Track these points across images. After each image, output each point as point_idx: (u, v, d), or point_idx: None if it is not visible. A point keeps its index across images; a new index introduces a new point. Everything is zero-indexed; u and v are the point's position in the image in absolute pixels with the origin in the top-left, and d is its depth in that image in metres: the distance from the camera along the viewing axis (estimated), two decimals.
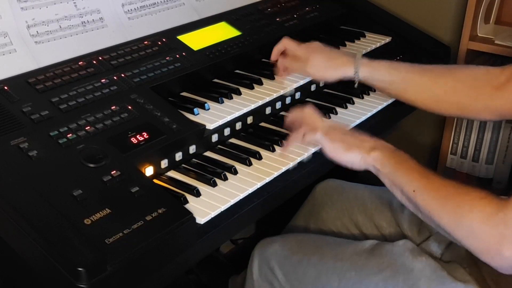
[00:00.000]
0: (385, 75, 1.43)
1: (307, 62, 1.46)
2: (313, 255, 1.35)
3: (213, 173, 1.21)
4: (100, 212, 0.99)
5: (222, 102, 1.39)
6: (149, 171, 1.17)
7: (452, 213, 1.06)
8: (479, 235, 1.02)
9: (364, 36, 1.85)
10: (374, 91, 1.60)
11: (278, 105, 1.48)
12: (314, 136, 1.27)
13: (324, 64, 1.46)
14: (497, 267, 1.04)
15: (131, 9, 1.52)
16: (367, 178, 1.23)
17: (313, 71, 1.47)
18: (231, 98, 1.41)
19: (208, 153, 1.31)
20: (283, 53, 1.54)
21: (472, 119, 1.75)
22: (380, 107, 1.54)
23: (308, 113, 1.32)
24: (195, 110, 1.32)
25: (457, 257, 1.27)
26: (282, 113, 1.50)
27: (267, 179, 1.23)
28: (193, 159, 1.27)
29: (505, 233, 0.99)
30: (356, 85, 1.47)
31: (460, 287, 1.20)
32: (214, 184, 1.18)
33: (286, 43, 1.52)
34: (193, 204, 1.12)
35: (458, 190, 1.07)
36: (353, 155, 1.23)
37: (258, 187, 1.21)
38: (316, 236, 1.50)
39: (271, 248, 1.41)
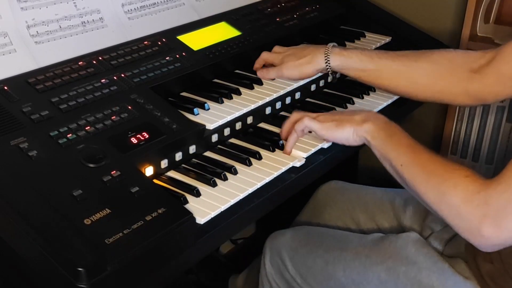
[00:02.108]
0: (357, 62, 1.42)
1: (281, 65, 1.47)
2: (320, 247, 1.38)
3: (213, 173, 1.21)
4: (100, 212, 0.99)
5: (222, 102, 1.39)
6: (149, 171, 1.17)
7: (436, 189, 1.07)
8: (461, 214, 1.03)
9: (364, 36, 1.85)
10: (374, 91, 1.59)
11: (278, 105, 1.48)
12: (303, 123, 1.27)
13: (298, 62, 1.45)
14: (478, 246, 1.05)
15: (131, 9, 1.52)
16: (369, 179, 1.23)
17: (288, 72, 1.46)
18: (231, 98, 1.41)
19: (208, 153, 1.31)
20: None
21: (449, 103, 1.69)
22: (379, 107, 1.54)
23: (295, 116, 1.32)
24: (195, 110, 1.33)
25: (457, 253, 1.27)
26: (282, 113, 1.50)
27: (267, 179, 1.23)
28: (193, 159, 1.27)
29: (486, 212, 1.00)
30: (330, 78, 1.47)
31: (460, 280, 1.20)
32: (214, 184, 1.18)
33: (263, 56, 1.52)
34: (193, 204, 1.12)
35: (444, 167, 1.08)
36: (346, 130, 1.23)
37: (258, 187, 1.21)
38: (323, 229, 1.51)
39: (282, 241, 1.44)
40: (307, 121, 1.27)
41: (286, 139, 1.31)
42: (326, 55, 1.42)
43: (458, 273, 1.21)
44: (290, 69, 1.46)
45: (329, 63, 1.43)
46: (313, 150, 1.32)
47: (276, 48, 1.54)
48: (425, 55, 1.41)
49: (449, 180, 1.05)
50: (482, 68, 1.29)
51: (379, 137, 1.18)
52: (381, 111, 1.54)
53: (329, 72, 1.46)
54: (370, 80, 1.45)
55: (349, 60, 1.42)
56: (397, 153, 1.15)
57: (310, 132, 1.32)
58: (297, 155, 1.30)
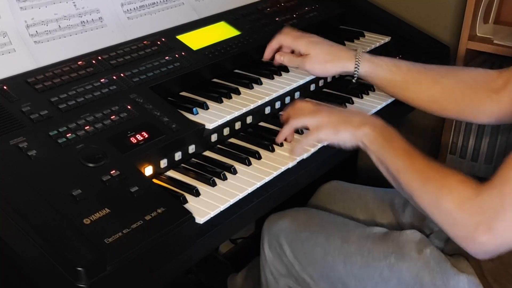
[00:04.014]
0: (386, 72, 1.41)
1: (306, 57, 1.44)
2: (320, 234, 1.36)
3: (212, 173, 1.21)
4: (100, 212, 0.99)
5: (222, 101, 1.39)
6: (148, 170, 1.17)
7: (432, 194, 1.07)
8: (456, 220, 1.03)
9: (363, 35, 1.85)
10: (374, 91, 1.59)
11: (278, 104, 1.48)
12: (301, 123, 1.27)
13: (323, 58, 1.43)
14: (472, 253, 1.05)
15: (130, 9, 1.52)
16: (369, 179, 1.23)
17: (311, 66, 1.43)
18: (231, 97, 1.41)
19: (208, 153, 1.31)
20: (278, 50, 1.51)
21: (470, 122, 1.75)
22: (379, 107, 1.54)
23: (298, 104, 1.31)
24: (195, 109, 1.32)
25: (458, 251, 1.27)
26: (281, 112, 1.49)
27: (267, 179, 1.23)
28: (193, 159, 1.27)
29: (481, 218, 1.00)
30: (354, 81, 1.45)
31: (462, 278, 1.20)
32: (213, 184, 1.18)
33: (281, 40, 1.48)
34: (192, 204, 1.12)
35: (439, 173, 1.08)
36: (343, 134, 1.22)
37: (258, 186, 1.21)
38: (324, 213, 1.49)
39: (280, 224, 1.43)
40: (306, 122, 1.26)
41: (286, 120, 1.31)
42: (356, 60, 1.40)
43: (461, 271, 1.21)
44: (315, 64, 1.43)
45: (358, 69, 1.41)
46: (313, 150, 1.32)
47: (289, 30, 1.49)
48: (452, 72, 1.41)
49: (444, 186, 1.05)
50: (500, 88, 1.29)
51: (377, 142, 1.18)
52: (380, 111, 1.54)
53: (355, 78, 1.44)
54: (394, 91, 1.43)
55: (378, 68, 1.41)
56: (394, 158, 1.14)
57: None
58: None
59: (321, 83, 1.60)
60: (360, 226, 1.38)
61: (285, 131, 1.29)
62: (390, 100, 1.56)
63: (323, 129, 1.23)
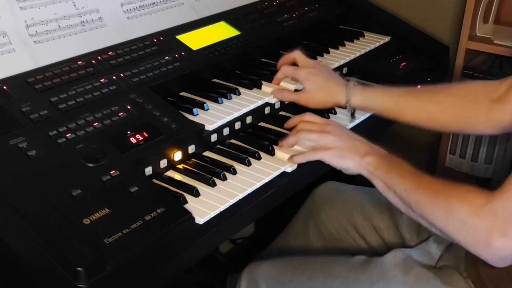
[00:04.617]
0: (378, 101, 1.42)
1: (301, 94, 1.45)
2: (303, 274, 1.35)
3: (212, 173, 1.21)
4: (99, 212, 0.99)
5: (221, 102, 1.39)
6: (148, 170, 1.17)
7: (442, 207, 1.06)
8: (469, 227, 1.02)
9: (363, 35, 1.85)
10: None
11: (277, 105, 1.48)
12: (308, 140, 1.28)
13: (318, 96, 1.44)
14: (487, 259, 1.04)
15: (130, 9, 1.52)
16: (366, 180, 1.24)
17: (306, 102, 1.45)
18: (230, 98, 1.41)
19: (207, 153, 1.31)
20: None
21: (475, 134, 1.75)
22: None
23: (308, 117, 1.32)
24: (194, 110, 1.32)
25: (456, 258, 1.26)
26: (281, 113, 1.50)
27: (266, 179, 1.23)
28: (192, 159, 1.27)
29: (494, 223, 0.99)
30: (349, 113, 1.46)
31: None
32: (213, 184, 1.18)
33: (284, 72, 1.50)
34: (192, 204, 1.12)
35: (447, 186, 1.08)
36: (348, 161, 1.24)
37: (257, 187, 1.21)
38: (305, 257, 1.49)
39: (260, 270, 1.41)
40: (314, 141, 1.28)
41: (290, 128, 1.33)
42: (347, 96, 1.42)
43: (453, 285, 1.21)
44: (310, 101, 1.45)
45: (349, 103, 1.43)
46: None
47: (299, 55, 1.51)
48: (445, 89, 1.41)
49: (454, 196, 1.05)
50: (501, 97, 1.29)
51: (382, 168, 1.19)
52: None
53: (349, 110, 1.45)
54: (392, 116, 1.44)
55: (369, 100, 1.42)
56: (400, 180, 1.15)
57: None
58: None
59: None
60: (341, 259, 1.38)
61: (291, 142, 1.31)
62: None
63: (329, 152, 1.26)
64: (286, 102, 1.49)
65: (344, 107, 1.46)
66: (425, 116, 1.40)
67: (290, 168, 1.28)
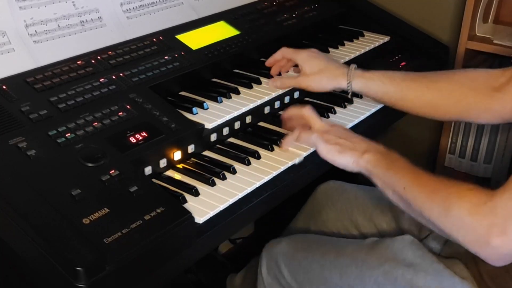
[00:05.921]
0: (379, 85, 1.42)
1: (301, 77, 1.45)
2: (316, 252, 1.38)
3: (212, 173, 1.21)
4: (99, 212, 0.99)
5: (221, 101, 1.39)
6: (147, 170, 1.17)
7: (441, 205, 1.06)
8: (468, 225, 1.02)
9: (362, 35, 1.85)
10: (361, 97, 1.58)
11: (277, 104, 1.48)
12: (309, 137, 1.28)
13: (319, 76, 1.44)
14: (486, 258, 1.04)
15: (129, 9, 1.52)
16: (367, 179, 1.24)
17: (307, 84, 1.45)
18: (230, 97, 1.41)
19: (207, 153, 1.31)
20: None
21: (473, 122, 1.74)
22: (379, 106, 1.54)
23: (307, 113, 1.32)
24: (194, 109, 1.32)
25: (456, 253, 1.27)
26: (281, 112, 1.49)
27: (266, 179, 1.23)
28: (192, 159, 1.27)
29: (493, 222, 0.99)
30: (349, 96, 1.46)
31: (457, 281, 1.20)
32: (213, 184, 1.18)
33: (283, 52, 1.51)
34: (192, 204, 1.12)
35: (446, 184, 1.08)
36: (347, 158, 1.23)
37: (257, 186, 1.21)
38: (320, 236, 1.51)
39: (278, 248, 1.44)
40: (314, 138, 1.27)
41: (285, 126, 1.33)
42: (348, 77, 1.42)
43: (455, 274, 1.21)
44: (310, 82, 1.44)
45: (351, 85, 1.42)
46: (312, 149, 1.32)
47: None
48: (446, 75, 1.41)
49: (452, 194, 1.05)
50: (503, 86, 1.28)
51: (380, 165, 1.19)
52: (381, 110, 1.53)
53: (349, 93, 1.45)
54: (391, 102, 1.43)
55: (370, 83, 1.42)
56: (399, 177, 1.15)
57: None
58: (296, 153, 1.30)
59: None
60: (353, 241, 1.40)
61: (290, 141, 1.31)
62: (374, 109, 1.54)
63: (329, 146, 1.25)
64: (285, 102, 1.49)
65: (345, 92, 1.45)
66: (425, 103, 1.39)
67: (291, 163, 1.27)
